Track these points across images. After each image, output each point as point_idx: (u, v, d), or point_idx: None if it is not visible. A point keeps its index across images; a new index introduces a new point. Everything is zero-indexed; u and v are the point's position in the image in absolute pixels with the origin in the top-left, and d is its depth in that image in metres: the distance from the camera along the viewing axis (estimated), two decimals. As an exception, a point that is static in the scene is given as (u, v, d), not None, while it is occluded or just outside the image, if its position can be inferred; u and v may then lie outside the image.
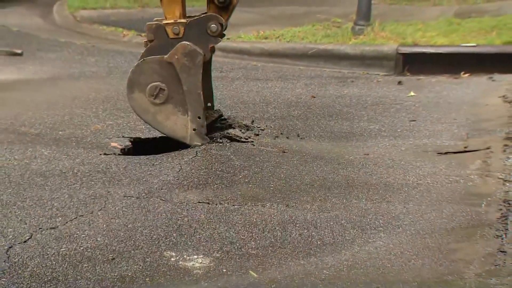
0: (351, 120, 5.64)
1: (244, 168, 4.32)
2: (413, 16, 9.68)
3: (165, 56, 4.59)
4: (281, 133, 5.21)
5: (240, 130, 5.00)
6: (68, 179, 4.19)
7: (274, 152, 4.64)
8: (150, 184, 4.11)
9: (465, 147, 4.80)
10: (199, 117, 4.62)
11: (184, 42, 4.59)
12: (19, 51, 7.95)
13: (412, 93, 6.52)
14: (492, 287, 2.83)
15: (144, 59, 4.65)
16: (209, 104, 5.02)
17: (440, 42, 7.99)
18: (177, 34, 4.62)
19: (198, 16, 4.69)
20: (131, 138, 5.10)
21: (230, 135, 4.82)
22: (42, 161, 4.49)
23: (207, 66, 4.87)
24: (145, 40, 4.72)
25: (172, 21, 4.62)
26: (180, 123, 4.66)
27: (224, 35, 4.76)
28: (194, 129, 4.64)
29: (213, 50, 4.73)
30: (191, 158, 4.47)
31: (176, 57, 4.58)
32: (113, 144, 4.98)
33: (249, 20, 9.18)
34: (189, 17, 4.69)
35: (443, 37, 8.14)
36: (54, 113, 5.79)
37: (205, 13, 4.69)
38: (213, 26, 4.59)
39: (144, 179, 4.19)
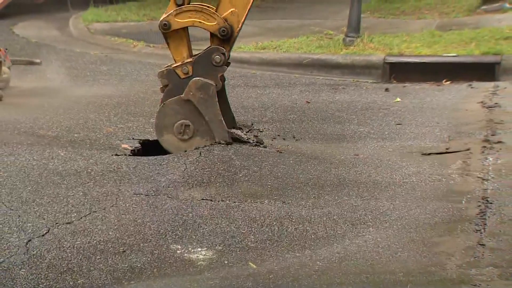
0: (342, 124, 5.63)
1: (244, 168, 4.30)
2: (399, 28, 9.67)
3: (182, 95, 4.60)
4: (278, 135, 5.20)
5: (242, 132, 4.99)
6: (83, 178, 4.17)
7: (271, 152, 4.63)
8: (158, 183, 4.09)
9: (447, 149, 4.80)
10: (225, 141, 4.62)
11: (195, 78, 4.58)
12: (38, 61, 7.91)
13: (398, 99, 6.51)
14: (472, 278, 2.83)
15: (164, 103, 4.65)
16: (233, 127, 4.97)
17: (423, 52, 7.98)
18: (187, 73, 4.62)
19: (202, 51, 4.67)
20: (140, 140, 5.09)
21: (234, 136, 4.80)
22: (59, 161, 4.47)
23: (222, 93, 4.84)
24: (161, 87, 4.72)
25: (179, 63, 4.63)
26: None
27: (229, 63, 4.76)
28: None
29: (223, 78, 4.72)
30: (195, 158, 4.45)
31: (191, 93, 4.58)
32: (124, 145, 4.97)
33: (248, 32, 9.15)
34: (195, 55, 4.68)
35: (426, 48, 8.13)
36: (69, 117, 5.77)
37: (209, 46, 4.68)
38: (217, 57, 4.59)
39: (152, 178, 4.18)
